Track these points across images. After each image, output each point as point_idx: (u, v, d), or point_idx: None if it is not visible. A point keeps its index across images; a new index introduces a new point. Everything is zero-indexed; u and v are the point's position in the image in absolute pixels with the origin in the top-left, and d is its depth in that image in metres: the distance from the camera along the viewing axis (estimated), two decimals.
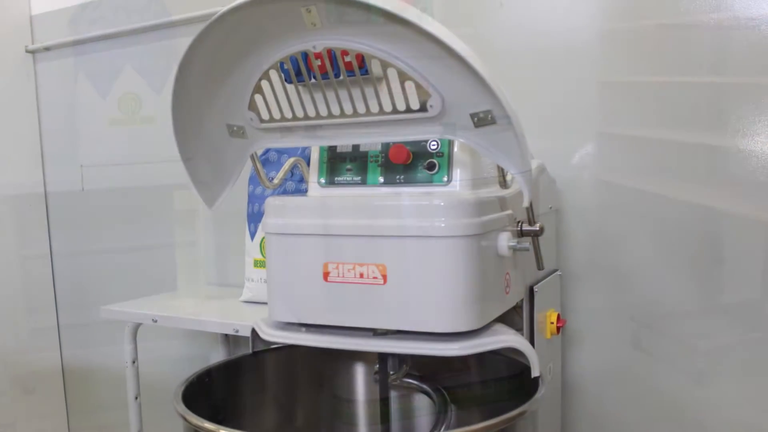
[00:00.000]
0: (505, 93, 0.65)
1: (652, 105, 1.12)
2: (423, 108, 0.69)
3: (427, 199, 0.72)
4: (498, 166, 0.79)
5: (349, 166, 0.83)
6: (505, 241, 0.76)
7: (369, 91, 0.71)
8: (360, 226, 0.73)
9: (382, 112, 0.72)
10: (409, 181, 0.80)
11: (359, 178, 0.83)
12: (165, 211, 1.57)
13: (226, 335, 1.52)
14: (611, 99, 1.15)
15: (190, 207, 1.35)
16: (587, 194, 1.18)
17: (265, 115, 0.77)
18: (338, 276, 0.74)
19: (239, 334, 1.17)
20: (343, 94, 0.72)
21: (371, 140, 0.78)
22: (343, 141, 0.79)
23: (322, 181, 0.85)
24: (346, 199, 0.76)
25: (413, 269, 0.71)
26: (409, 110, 0.70)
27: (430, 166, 0.79)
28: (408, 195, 0.77)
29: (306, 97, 0.74)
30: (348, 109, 0.73)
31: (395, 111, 0.71)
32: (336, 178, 0.84)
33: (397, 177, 0.81)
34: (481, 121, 0.68)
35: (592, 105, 1.16)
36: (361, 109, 0.72)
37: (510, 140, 0.68)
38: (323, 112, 0.74)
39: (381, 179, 0.82)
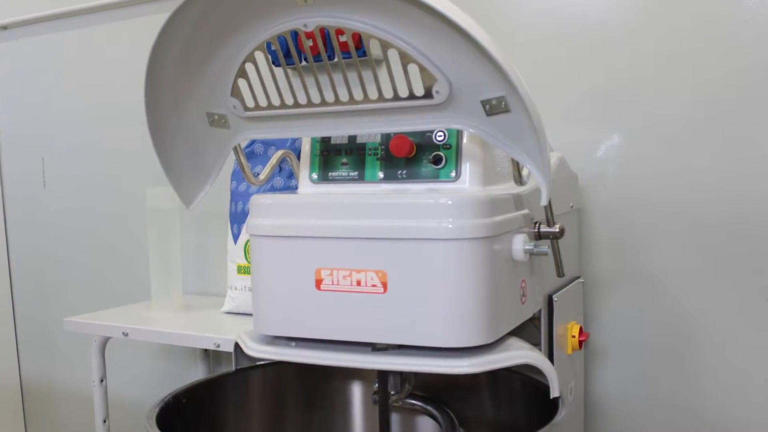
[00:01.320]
0: (520, 77, 0.65)
1: (688, 91, 1.12)
2: (428, 94, 0.69)
3: (433, 197, 0.72)
4: (512, 160, 0.79)
5: (344, 160, 0.83)
6: (520, 244, 0.76)
7: (367, 75, 0.71)
8: (357, 228, 0.73)
9: (381, 98, 0.72)
10: (412, 177, 0.80)
11: (356, 173, 0.82)
12: (137, 211, 1.58)
13: (206, 350, 1.52)
14: (640, 85, 1.15)
15: (165, 206, 1.35)
16: (613, 191, 1.18)
17: (249, 102, 0.77)
18: (332, 284, 0.74)
19: (220, 349, 1.17)
20: (338, 78, 0.72)
21: (370, 131, 0.78)
22: (339, 132, 0.79)
23: (315, 176, 0.85)
24: (342, 197, 0.76)
25: (417, 276, 0.71)
26: (412, 97, 0.70)
27: (436, 160, 0.79)
28: (411, 192, 0.77)
29: (296, 82, 0.74)
30: (343, 95, 0.73)
31: (397, 98, 0.71)
32: (330, 174, 0.84)
33: (399, 172, 0.81)
34: (494, 108, 0.68)
35: (619, 92, 1.16)
36: (359, 95, 0.72)
37: (526, 130, 0.68)
38: (316, 98, 0.74)
39: (381, 175, 0.81)
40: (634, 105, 1.16)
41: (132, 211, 1.63)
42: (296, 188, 0.87)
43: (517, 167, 0.80)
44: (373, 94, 0.72)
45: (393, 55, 0.68)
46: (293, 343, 0.79)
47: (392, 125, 0.74)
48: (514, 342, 0.77)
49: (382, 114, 0.74)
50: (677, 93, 1.12)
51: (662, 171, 1.15)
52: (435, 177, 0.79)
